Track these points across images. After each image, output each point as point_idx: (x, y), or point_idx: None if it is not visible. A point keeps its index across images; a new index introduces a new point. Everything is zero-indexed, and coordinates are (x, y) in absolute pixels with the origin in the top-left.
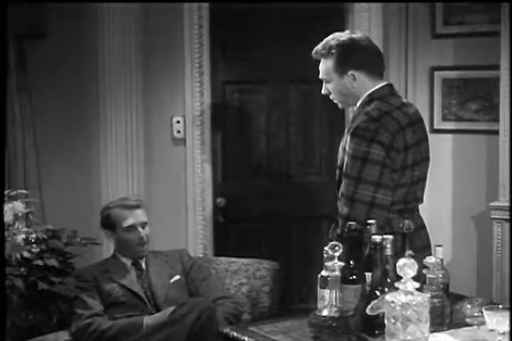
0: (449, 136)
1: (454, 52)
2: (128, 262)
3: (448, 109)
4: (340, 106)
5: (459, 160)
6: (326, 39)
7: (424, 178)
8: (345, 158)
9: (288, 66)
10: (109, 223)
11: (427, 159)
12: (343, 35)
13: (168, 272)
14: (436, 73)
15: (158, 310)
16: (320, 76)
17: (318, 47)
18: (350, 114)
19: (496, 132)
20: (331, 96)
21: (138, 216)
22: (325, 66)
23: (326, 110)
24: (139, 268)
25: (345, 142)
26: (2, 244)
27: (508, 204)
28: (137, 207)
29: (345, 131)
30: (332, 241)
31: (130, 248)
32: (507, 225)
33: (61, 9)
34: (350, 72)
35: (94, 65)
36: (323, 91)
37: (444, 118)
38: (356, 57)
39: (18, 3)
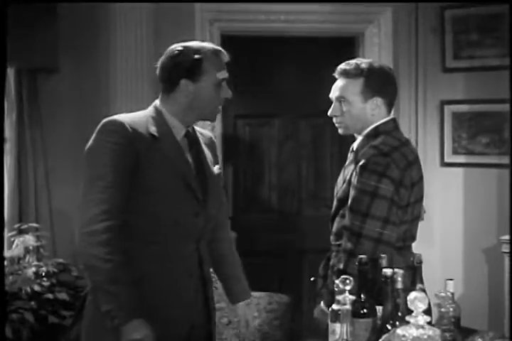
0: (460, 169)
1: (464, 86)
2: (181, 130)
3: (458, 143)
4: (340, 131)
5: (469, 193)
6: (353, 61)
7: (418, 217)
8: (352, 192)
9: (298, 100)
10: (195, 70)
11: (422, 197)
12: (371, 62)
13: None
14: (446, 107)
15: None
16: (336, 94)
17: (347, 67)
18: None
19: (507, 166)
20: (335, 119)
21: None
22: (349, 86)
23: (337, 143)
24: (191, 140)
25: (349, 174)
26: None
27: None
28: None
29: (347, 162)
30: (322, 278)
31: (207, 108)
32: None
33: (73, 43)
34: (375, 98)
35: (106, 99)
36: (331, 112)
37: (455, 152)
38: (385, 84)
39: (31, 37)
